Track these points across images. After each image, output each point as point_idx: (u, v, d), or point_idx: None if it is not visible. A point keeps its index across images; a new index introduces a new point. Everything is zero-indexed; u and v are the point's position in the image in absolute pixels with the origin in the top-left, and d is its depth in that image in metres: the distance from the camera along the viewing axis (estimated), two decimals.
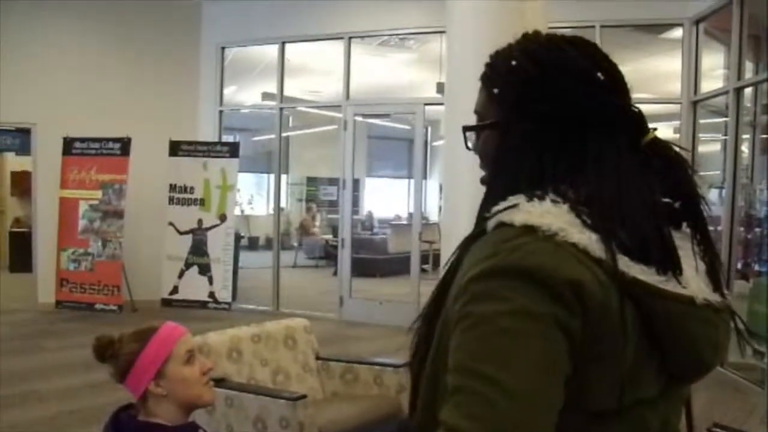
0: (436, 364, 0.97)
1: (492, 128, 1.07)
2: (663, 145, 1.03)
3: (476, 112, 1.10)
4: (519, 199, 0.95)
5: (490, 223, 0.96)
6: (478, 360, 0.85)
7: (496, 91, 1.06)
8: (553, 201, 0.94)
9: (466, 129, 1.12)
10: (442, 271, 1.06)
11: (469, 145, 1.12)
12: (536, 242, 0.89)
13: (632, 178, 0.97)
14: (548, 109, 1.00)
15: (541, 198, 0.94)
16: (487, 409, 0.82)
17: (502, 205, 0.96)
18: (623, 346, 0.88)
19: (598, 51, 1.05)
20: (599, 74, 1.01)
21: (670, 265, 0.94)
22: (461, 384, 0.85)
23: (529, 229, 0.90)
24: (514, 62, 1.04)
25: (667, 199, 1.01)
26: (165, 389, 1.84)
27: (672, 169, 1.02)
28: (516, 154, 1.02)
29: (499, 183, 1.03)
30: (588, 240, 0.90)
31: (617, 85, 1.04)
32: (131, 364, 1.83)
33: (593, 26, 7.33)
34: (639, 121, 1.03)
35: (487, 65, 1.09)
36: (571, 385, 0.87)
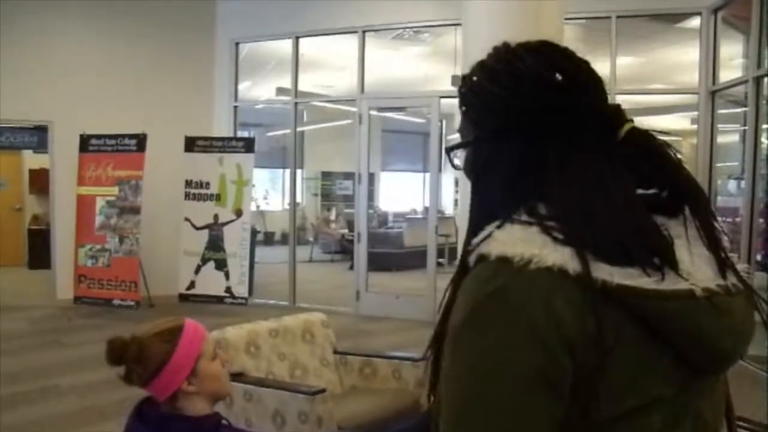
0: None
1: (468, 147, 1.08)
2: (642, 136, 1.00)
3: (458, 131, 1.11)
4: (492, 227, 0.95)
5: (471, 258, 0.96)
6: (455, 419, 0.89)
7: (464, 109, 1.07)
8: (521, 224, 0.93)
9: (448, 150, 1.13)
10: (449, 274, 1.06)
11: (456, 162, 1.12)
12: (511, 280, 0.89)
13: (602, 181, 0.95)
14: (507, 123, 0.99)
15: (513, 222, 0.94)
16: None
17: (480, 236, 0.96)
18: (602, 366, 0.87)
19: (559, 52, 1.03)
20: (558, 76, 0.98)
21: (660, 262, 0.91)
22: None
23: (504, 261, 0.90)
24: (474, 78, 1.05)
25: (653, 190, 0.99)
26: (196, 386, 1.85)
27: (653, 157, 0.99)
28: (484, 176, 1.03)
29: (476, 211, 1.04)
30: (562, 258, 0.89)
31: (583, 82, 1.01)
32: (163, 364, 1.80)
33: (609, 17, 7.26)
34: (614, 114, 1.01)
35: (459, 85, 1.09)
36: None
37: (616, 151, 0.98)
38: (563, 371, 0.87)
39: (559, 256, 0.89)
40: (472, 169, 1.07)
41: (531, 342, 0.86)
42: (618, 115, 1.01)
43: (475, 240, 0.97)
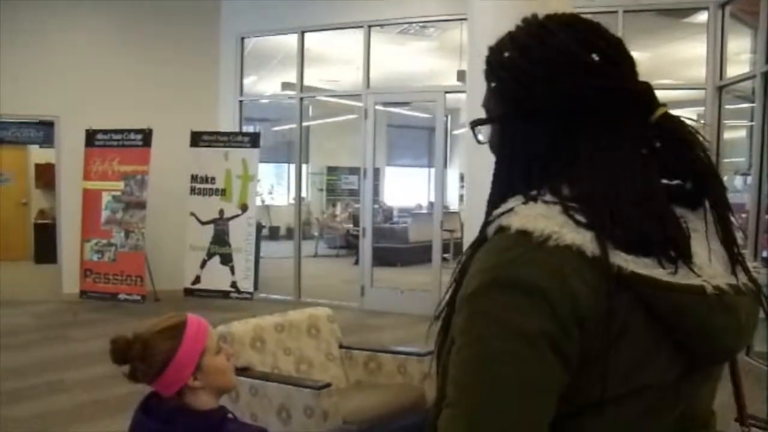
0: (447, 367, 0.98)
1: (494, 123, 1.07)
2: (674, 122, 0.99)
3: (483, 106, 1.09)
4: (516, 201, 0.96)
5: (490, 229, 0.97)
6: (467, 382, 0.90)
7: (493, 85, 1.05)
8: (545, 202, 0.94)
9: (473, 124, 1.11)
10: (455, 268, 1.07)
11: (481, 138, 1.11)
12: (530, 252, 0.90)
13: (628, 169, 0.95)
14: (538, 103, 0.99)
15: (535, 200, 0.95)
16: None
17: (501, 209, 0.97)
18: (609, 347, 0.88)
19: (594, 30, 1.01)
20: (594, 56, 0.97)
21: (675, 255, 0.92)
22: (452, 400, 0.90)
23: (524, 234, 0.91)
24: (506, 54, 1.02)
25: (677, 181, 1.00)
26: (201, 381, 1.85)
27: (681, 147, 0.99)
28: (511, 153, 1.03)
29: (497, 186, 1.04)
30: (582, 240, 0.90)
31: (618, 62, 1.00)
32: (168, 361, 1.80)
33: (616, 11, 7.23)
34: (646, 96, 0.99)
35: (486, 58, 1.06)
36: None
37: (645, 134, 0.98)
38: (572, 343, 0.88)
39: (579, 237, 0.90)
40: (497, 145, 1.07)
41: (543, 310, 0.87)
42: (650, 97, 1.00)
43: (497, 211, 0.98)
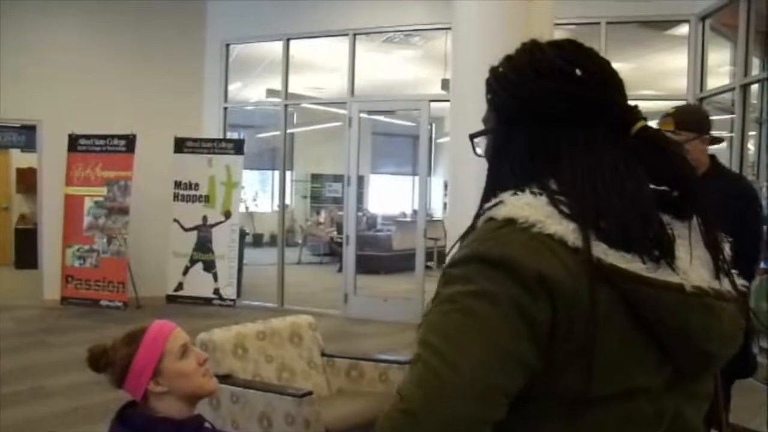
0: None
1: (489, 134, 1.14)
2: (654, 135, 1.04)
3: (483, 121, 1.16)
4: (505, 195, 1.01)
5: (480, 220, 1.02)
6: (433, 333, 0.93)
7: (489, 97, 1.13)
8: (532, 193, 0.99)
9: (471, 137, 1.18)
10: None
11: (478, 151, 1.18)
12: (511, 233, 0.94)
13: (611, 169, 0.99)
14: (526, 108, 1.05)
15: (523, 191, 0.99)
16: (432, 377, 0.89)
17: (492, 202, 1.02)
18: (594, 335, 0.90)
19: (581, 50, 1.08)
20: (577, 71, 1.04)
21: (658, 253, 0.94)
22: (418, 354, 0.93)
23: (510, 221, 0.96)
24: (500, 69, 1.11)
25: (664, 188, 1.03)
26: (165, 386, 1.86)
27: (662, 157, 1.03)
28: (501, 155, 1.09)
29: (489, 185, 1.10)
30: (564, 230, 0.93)
31: (601, 80, 1.06)
32: (126, 367, 1.84)
33: (598, 23, 7.30)
34: (628, 112, 1.05)
35: (486, 79, 1.14)
36: (548, 373, 0.92)
37: (626, 143, 1.03)
38: (540, 311, 0.90)
39: (562, 228, 0.93)
40: (491, 152, 1.13)
41: (509, 276, 0.90)
42: (632, 112, 1.05)
43: (487, 205, 1.03)
